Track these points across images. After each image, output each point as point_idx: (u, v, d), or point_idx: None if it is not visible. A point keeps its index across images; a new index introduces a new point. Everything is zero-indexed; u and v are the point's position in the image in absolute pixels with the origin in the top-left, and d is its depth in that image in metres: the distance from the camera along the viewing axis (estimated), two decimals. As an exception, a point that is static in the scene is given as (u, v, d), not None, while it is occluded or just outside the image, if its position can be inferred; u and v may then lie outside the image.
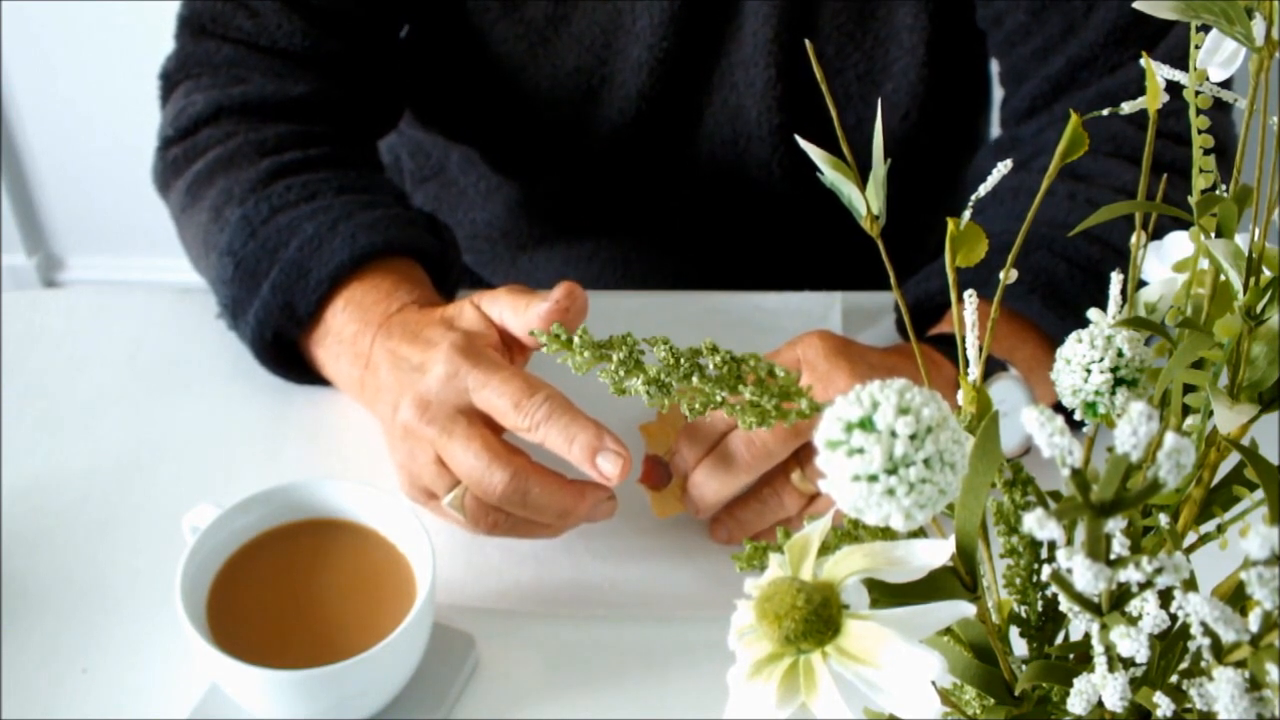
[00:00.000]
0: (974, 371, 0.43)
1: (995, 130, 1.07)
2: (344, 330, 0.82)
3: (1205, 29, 0.40)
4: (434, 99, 1.11)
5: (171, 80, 0.96)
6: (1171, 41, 0.90)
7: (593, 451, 0.70)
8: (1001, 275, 0.42)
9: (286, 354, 0.87)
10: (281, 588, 0.70)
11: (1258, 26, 0.37)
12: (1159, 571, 0.31)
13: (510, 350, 0.77)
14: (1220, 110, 0.94)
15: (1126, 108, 0.43)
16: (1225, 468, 0.43)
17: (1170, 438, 0.30)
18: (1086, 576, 0.31)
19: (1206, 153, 0.41)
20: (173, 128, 0.93)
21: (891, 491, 0.33)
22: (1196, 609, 0.32)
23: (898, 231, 0.55)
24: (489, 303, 0.77)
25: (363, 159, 0.96)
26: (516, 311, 0.75)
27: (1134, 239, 0.43)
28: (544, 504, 0.73)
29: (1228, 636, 0.33)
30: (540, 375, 0.75)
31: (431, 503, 0.76)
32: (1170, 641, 0.38)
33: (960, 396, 0.43)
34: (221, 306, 0.87)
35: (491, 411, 0.73)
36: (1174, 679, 0.38)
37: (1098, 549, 0.31)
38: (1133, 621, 0.35)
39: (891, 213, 0.43)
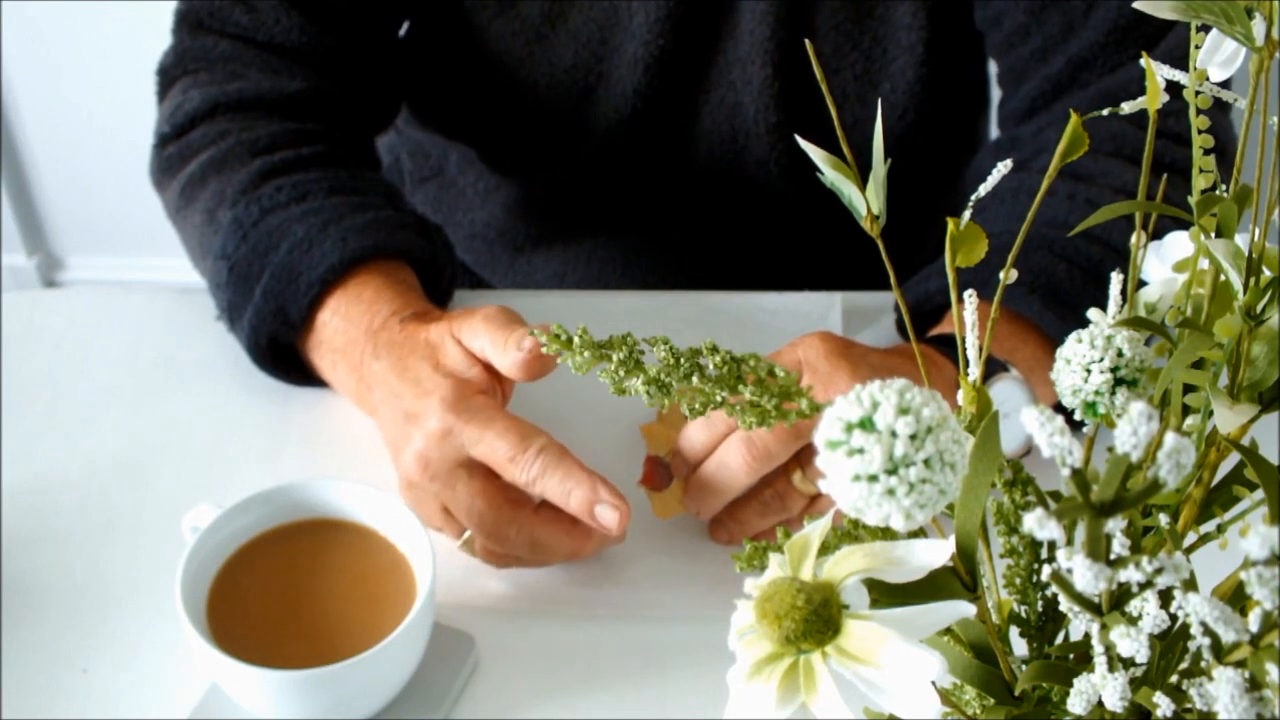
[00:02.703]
0: (974, 372, 0.42)
1: (994, 131, 1.07)
2: (335, 340, 0.82)
3: (1205, 29, 0.40)
4: (432, 97, 1.11)
5: (168, 76, 0.96)
6: (1172, 41, 0.90)
7: (589, 505, 0.71)
8: (1001, 275, 0.42)
9: (283, 357, 0.87)
10: (281, 588, 0.70)
11: (1258, 26, 0.37)
12: (1159, 571, 0.31)
13: (497, 380, 0.77)
14: (1220, 110, 0.94)
15: (1126, 108, 0.43)
16: (1225, 468, 0.43)
17: (1170, 438, 0.30)
18: (1086, 576, 0.31)
19: (1206, 153, 0.41)
20: (169, 124, 0.93)
21: (891, 491, 0.33)
22: (1196, 609, 0.32)
23: (897, 231, 0.55)
24: (469, 335, 0.76)
25: (357, 157, 0.95)
26: (496, 348, 0.75)
27: (1134, 239, 0.43)
28: (552, 547, 0.74)
29: (1228, 636, 0.33)
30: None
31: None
32: (1170, 641, 0.38)
33: (960, 397, 0.43)
34: (219, 310, 0.87)
35: (490, 464, 0.73)
36: (1174, 679, 0.38)
37: (1098, 549, 0.31)
38: (1133, 621, 0.35)
39: (891, 213, 0.43)
